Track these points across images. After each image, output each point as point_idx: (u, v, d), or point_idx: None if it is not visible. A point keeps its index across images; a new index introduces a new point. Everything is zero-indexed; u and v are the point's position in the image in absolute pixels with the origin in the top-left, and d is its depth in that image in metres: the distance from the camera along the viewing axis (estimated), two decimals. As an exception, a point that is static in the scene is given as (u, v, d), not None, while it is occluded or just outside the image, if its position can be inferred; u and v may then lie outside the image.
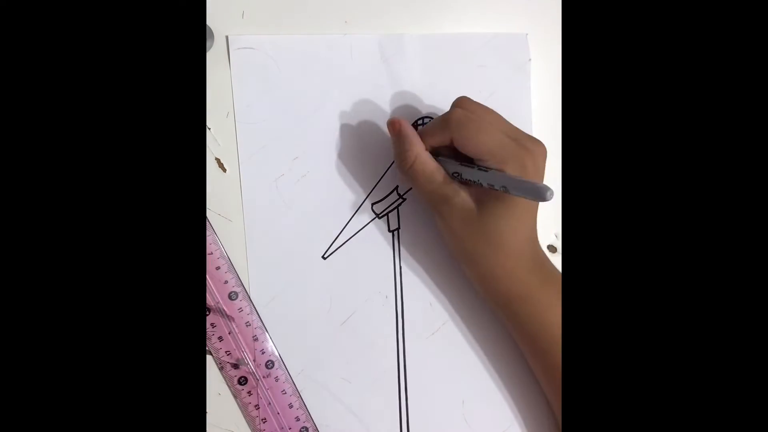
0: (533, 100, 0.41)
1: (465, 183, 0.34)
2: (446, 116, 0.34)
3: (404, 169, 0.35)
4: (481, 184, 0.32)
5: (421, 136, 0.35)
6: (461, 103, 0.35)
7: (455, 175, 0.34)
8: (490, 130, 0.33)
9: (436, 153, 0.35)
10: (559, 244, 0.41)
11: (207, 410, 0.36)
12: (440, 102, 0.40)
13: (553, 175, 0.41)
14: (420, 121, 0.40)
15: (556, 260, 0.41)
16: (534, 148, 0.33)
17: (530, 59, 0.41)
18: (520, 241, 0.34)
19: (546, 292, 0.35)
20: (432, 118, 0.40)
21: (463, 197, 0.34)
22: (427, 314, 0.39)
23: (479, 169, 0.33)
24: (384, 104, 0.39)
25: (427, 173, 0.34)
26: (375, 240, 0.39)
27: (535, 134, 0.41)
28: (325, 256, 0.38)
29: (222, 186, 0.37)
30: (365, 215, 0.39)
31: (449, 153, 0.35)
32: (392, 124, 0.35)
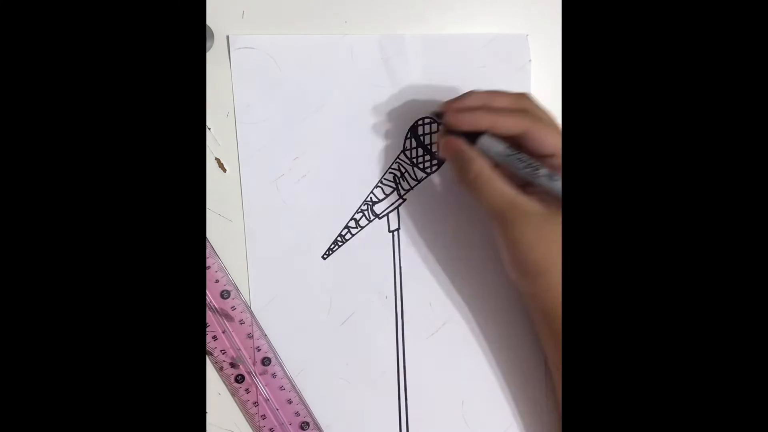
0: (533, 101, 0.41)
1: (510, 165, 0.33)
2: (526, 108, 0.33)
3: (468, 180, 0.33)
4: (537, 168, 0.32)
5: (492, 113, 0.33)
6: (533, 98, 0.34)
7: (508, 155, 0.33)
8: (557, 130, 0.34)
9: (473, 136, 0.34)
10: (559, 245, 0.41)
11: (207, 410, 0.36)
12: (441, 102, 0.40)
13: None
14: (420, 122, 0.40)
15: (556, 261, 0.41)
16: None
17: (530, 60, 0.41)
18: None
19: None
20: (432, 119, 0.40)
21: (535, 203, 0.33)
22: (427, 314, 0.39)
23: (529, 166, 0.32)
24: (384, 104, 0.39)
25: (496, 185, 0.33)
26: (375, 240, 0.39)
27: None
28: (325, 256, 0.38)
29: (222, 186, 0.37)
30: (365, 215, 0.39)
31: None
32: (447, 144, 0.34)
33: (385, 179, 0.39)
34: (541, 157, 0.33)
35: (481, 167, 0.33)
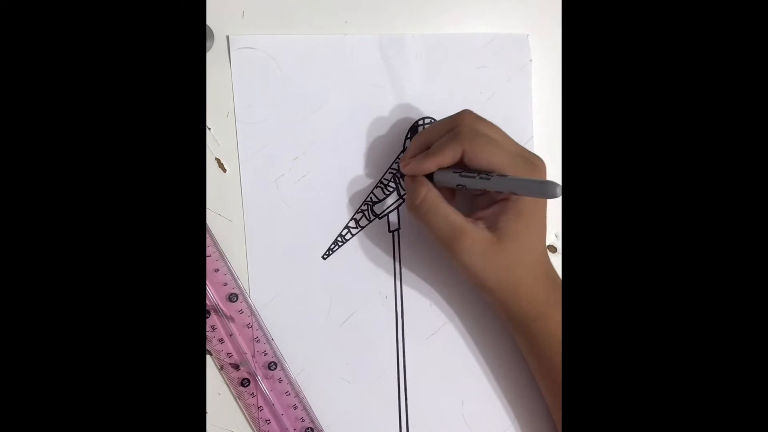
0: (534, 101, 0.41)
1: (467, 186, 0.33)
2: (456, 132, 0.33)
3: (414, 205, 0.34)
4: (489, 176, 0.32)
5: (431, 155, 0.34)
6: (466, 116, 0.34)
7: (459, 187, 0.34)
8: (499, 145, 0.33)
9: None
10: (559, 244, 0.41)
11: (207, 410, 0.36)
12: (441, 102, 0.40)
13: (553, 176, 0.41)
14: (420, 122, 0.40)
15: (556, 260, 0.41)
16: (539, 163, 0.34)
17: (531, 60, 0.41)
18: (537, 257, 0.34)
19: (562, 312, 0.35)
20: (432, 119, 0.40)
21: (480, 227, 0.33)
22: (427, 314, 0.39)
23: (481, 178, 0.32)
24: (384, 104, 0.39)
25: (441, 211, 0.33)
26: (375, 240, 0.39)
27: (535, 135, 0.41)
28: (325, 256, 0.38)
29: (222, 186, 0.37)
30: (365, 215, 0.39)
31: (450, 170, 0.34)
32: (406, 178, 0.36)
33: (385, 179, 0.39)
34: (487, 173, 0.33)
35: (428, 193, 0.34)
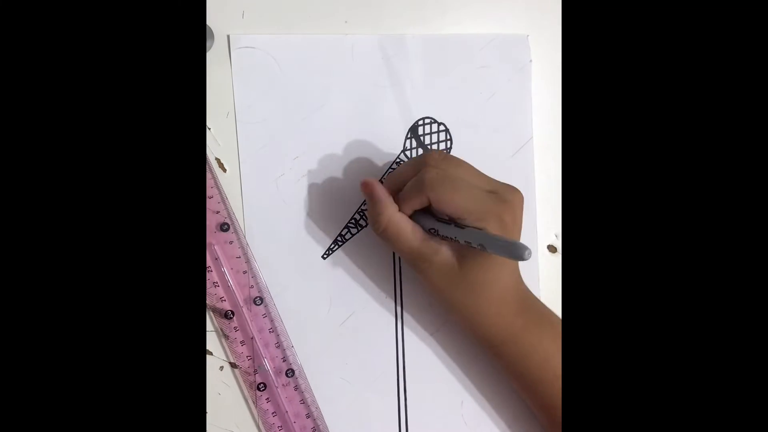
0: (534, 101, 0.41)
1: (443, 239, 0.33)
2: (419, 178, 0.32)
3: (378, 232, 0.34)
4: (458, 241, 0.32)
5: (400, 202, 0.34)
6: (429, 159, 0.33)
7: (432, 230, 0.33)
8: (466, 187, 0.32)
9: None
10: (559, 244, 0.41)
11: (207, 410, 0.36)
12: (441, 102, 0.40)
13: (553, 176, 0.41)
14: (420, 122, 0.40)
15: (556, 260, 0.41)
16: (511, 198, 0.32)
17: (531, 60, 0.41)
18: (502, 288, 0.34)
19: (530, 333, 0.35)
20: (432, 119, 0.40)
21: (443, 253, 0.33)
22: (427, 314, 0.39)
23: (456, 227, 0.32)
24: (384, 104, 0.39)
25: (403, 236, 0.33)
26: (375, 240, 0.39)
27: (535, 135, 0.41)
28: (325, 256, 0.38)
29: (222, 186, 0.37)
30: (365, 215, 0.39)
31: (427, 210, 0.34)
32: (364, 185, 0.34)
33: (385, 179, 0.39)
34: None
35: (391, 217, 0.33)
